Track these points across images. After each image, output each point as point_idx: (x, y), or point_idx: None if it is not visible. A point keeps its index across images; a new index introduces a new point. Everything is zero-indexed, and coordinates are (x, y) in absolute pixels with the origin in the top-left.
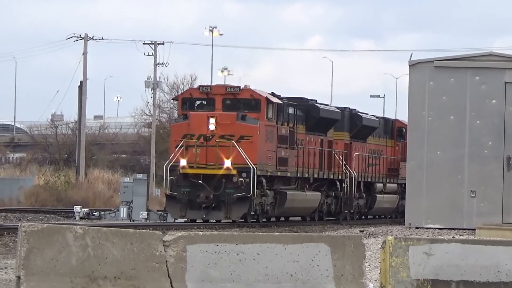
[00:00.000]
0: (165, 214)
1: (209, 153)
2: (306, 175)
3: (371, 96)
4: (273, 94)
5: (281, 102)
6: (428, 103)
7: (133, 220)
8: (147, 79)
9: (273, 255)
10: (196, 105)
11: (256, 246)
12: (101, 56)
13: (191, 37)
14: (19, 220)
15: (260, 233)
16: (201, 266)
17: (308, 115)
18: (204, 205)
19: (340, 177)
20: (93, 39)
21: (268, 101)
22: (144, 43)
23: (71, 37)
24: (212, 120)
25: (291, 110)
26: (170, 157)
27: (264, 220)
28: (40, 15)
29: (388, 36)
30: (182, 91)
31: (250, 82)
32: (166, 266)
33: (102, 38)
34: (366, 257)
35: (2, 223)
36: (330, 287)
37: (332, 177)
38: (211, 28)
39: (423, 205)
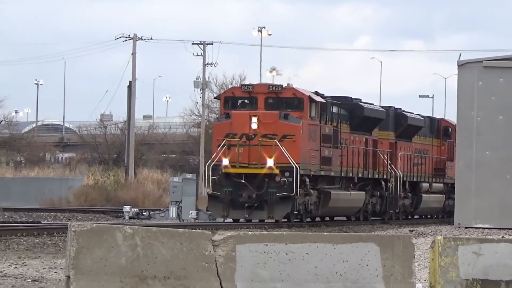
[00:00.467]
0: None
1: (252, 153)
2: (351, 175)
3: (420, 96)
4: (316, 93)
5: (324, 101)
6: (477, 103)
7: (183, 220)
8: (196, 79)
9: (322, 255)
10: (238, 103)
11: (305, 246)
12: (150, 56)
13: (240, 37)
14: (69, 219)
15: (309, 233)
16: (250, 266)
17: (353, 114)
18: (246, 204)
19: (385, 177)
20: (142, 39)
21: (311, 99)
22: (193, 43)
23: (120, 37)
24: (254, 119)
25: (334, 109)
26: (213, 157)
27: (308, 219)
28: (89, 16)
29: (437, 36)
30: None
31: (298, 82)
32: (216, 265)
33: (151, 38)
34: (415, 256)
35: (52, 222)
36: (380, 286)
37: (377, 176)
38: (259, 28)
39: (472, 205)
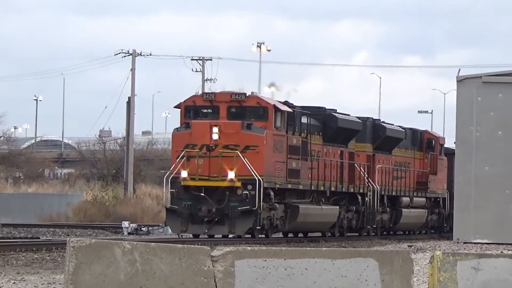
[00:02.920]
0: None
1: (212, 164)
2: (322, 188)
3: (419, 111)
4: (286, 102)
5: (291, 111)
6: (476, 118)
7: (181, 236)
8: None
9: (321, 270)
10: (199, 113)
11: (304, 261)
12: (149, 72)
13: (239, 53)
14: (67, 235)
15: (308, 248)
16: (249, 281)
17: (326, 125)
18: (206, 219)
19: (361, 191)
20: (141, 55)
21: (276, 109)
22: (192, 59)
23: (119, 53)
24: (215, 129)
25: (304, 120)
26: (171, 169)
27: (277, 235)
28: (88, 32)
29: (436, 52)
30: None
31: (298, 98)
32: (215, 281)
33: (150, 54)
34: (414, 272)
35: (51, 238)
36: None
37: (352, 190)
38: (258, 44)
39: (471, 220)
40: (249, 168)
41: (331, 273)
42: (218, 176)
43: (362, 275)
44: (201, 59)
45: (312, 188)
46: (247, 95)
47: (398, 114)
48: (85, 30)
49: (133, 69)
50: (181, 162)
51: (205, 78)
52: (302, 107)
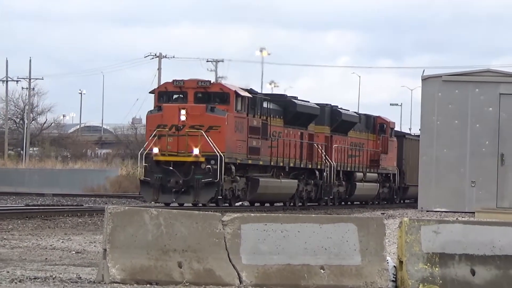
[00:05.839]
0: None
1: (180, 142)
2: (281, 164)
3: (391, 104)
4: (251, 90)
5: (251, 96)
6: (437, 110)
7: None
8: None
9: (311, 233)
10: (170, 98)
11: (297, 225)
12: (172, 71)
13: (245, 56)
14: (106, 203)
15: (301, 215)
16: (252, 241)
17: (286, 110)
18: (174, 189)
19: (319, 167)
20: (166, 57)
21: (237, 94)
22: (207, 61)
23: (148, 55)
24: (183, 112)
25: (265, 104)
26: (145, 146)
27: (239, 204)
28: (122, 38)
29: (404, 56)
30: None
31: (293, 93)
32: (224, 241)
33: (173, 57)
34: (386, 234)
35: (92, 206)
36: (357, 258)
37: (311, 166)
38: (261, 49)
39: (432, 193)
40: (212, 145)
41: (319, 235)
42: (185, 152)
43: (344, 236)
44: (214, 61)
45: (272, 164)
46: (211, 82)
47: (374, 107)
48: (120, 37)
49: (159, 69)
50: (153, 140)
51: (218, 77)
52: (265, 94)
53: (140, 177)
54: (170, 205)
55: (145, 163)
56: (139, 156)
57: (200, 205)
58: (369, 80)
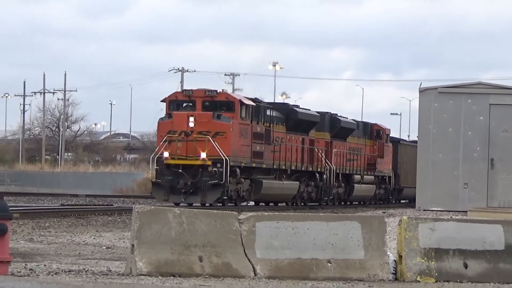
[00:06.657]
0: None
1: (189, 147)
2: (283, 167)
3: (391, 114)
4: (255, 99)
5: (254, 104)
6: (433, 119)
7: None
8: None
9: (319, 230)
10: (180, 106)
11: (306, 223)
12: (193, 84)
13: (259, 70)
14: (133, 203)
15: (310, 214)
16: (266, 238)
17: (288, 117)
18: (183, 190)
19: (320, 170)
20: (188, 71)
21: (242, 103)
22: (225, 75)
23: (172, 69)
24: (191, 119)
25: (268, 112)
26: (156, 150)
27: (244, 204)
28: (148, 53)
29: (403, 70)
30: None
31: (302, 103)
32: (241, 237)
33: (195, 71)
34: (387, 231)
35: (121, 205)
36: (361, 253)
37: (311, 169)
38: (274, 63)
39: (429, 193)
40: (218, 150)
41: (326, 232)
42: (193, 156)
43: (349, 233)
44: (231, 74)
45: (275, 167)
46: (218, 91)
47: (375, 116)
48: (147, 53)
49: (181, 82)
50: (164, 145)
51: (235, 88)
52: (268, 103)
53: (151, 179)
54: (180, 205)
55: (156, 166)
56: (150, 160)
57: (207, 205)
58: (371, 91)
